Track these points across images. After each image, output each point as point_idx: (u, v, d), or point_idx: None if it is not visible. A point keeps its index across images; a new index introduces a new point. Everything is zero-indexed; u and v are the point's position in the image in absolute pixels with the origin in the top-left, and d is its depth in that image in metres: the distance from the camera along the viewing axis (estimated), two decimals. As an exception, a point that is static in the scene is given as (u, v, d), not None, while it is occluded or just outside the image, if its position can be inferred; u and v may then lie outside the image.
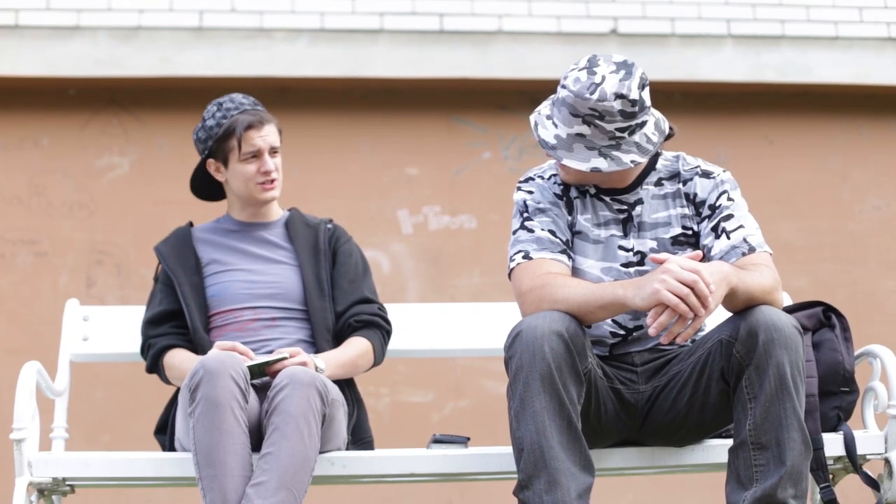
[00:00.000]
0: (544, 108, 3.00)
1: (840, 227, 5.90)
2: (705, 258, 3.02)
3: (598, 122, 2.90)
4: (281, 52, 5.56)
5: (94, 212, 5.62)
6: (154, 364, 3.38)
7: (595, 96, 2.88)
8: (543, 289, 2.88)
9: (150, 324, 3.41)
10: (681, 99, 5.81)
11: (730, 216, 3.00)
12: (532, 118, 3.00)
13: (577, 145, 2.93)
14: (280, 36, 5.59)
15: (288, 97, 5.65)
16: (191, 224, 3.56)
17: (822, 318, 3.19)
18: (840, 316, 3.20)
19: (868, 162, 5.99)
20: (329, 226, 3.55)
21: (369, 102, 5.77)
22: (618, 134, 2.92)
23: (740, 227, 2.98)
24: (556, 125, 2.95)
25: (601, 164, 2.92)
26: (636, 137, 2.94)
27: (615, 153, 2.93)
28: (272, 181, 3.43)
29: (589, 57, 2.95)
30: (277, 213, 3.54)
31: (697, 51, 5.76)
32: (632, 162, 2.94)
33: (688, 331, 2.73)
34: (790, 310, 3.23)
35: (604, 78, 2.89)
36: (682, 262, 2.74)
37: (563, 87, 2.93)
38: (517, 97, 5.78)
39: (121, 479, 3.10)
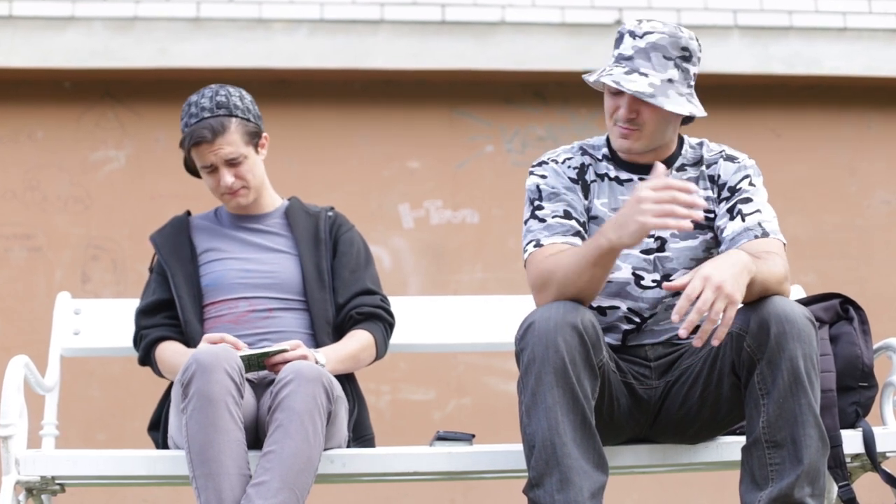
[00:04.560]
0: (615, 69, 2.89)
1: (848, 222, 5.87)
2: (717, 239, 2.96)
3: (685, 64, 2.87)
4: (280, 43, 5.52)
5: (90, 206, 5.58)
6: (146, 356, 3.30)
7: (686, 34, 2.88)
8: (547, 272, 2.80)
9: (143, 314, 3.33)
10: (686, 91, 5.74)
11: (748, 199, 2.94)
12: (605, 79, 2.87)
13: (671, 91, 2.87)
14: (279, 27, 5.53)
15: (287, 89, 5.60)
16: (188, 213, 3.47)
17: (840, 311, 3.12)
18: (858, 308, 3.12)
19: (876, 155, 5.95)
20: (330, 213, 3.47)
21: (369, 95, 5.72)
22: (692, 82, 2.91)
23: (757, 211, 2.92)
24: (645, 75, 2.86)
25: (694, 109, 2.89)
26: (693, 93, 2.92)
27: (694, 101, 2.91)
28: (236, 191, 3.32)
29: (635, 19, 2.95)
30: (273, 202, 3.45)
31: (703, 42, 5.59)
32: (704, 113, 2.92)
33: (720, 329, 2.60)
34: (806, 302, 3.16)
35: (675, 25, 2.90)
36: (649, 184, 2.67)
37: (650, 32, 2.87)
38: (520, 89, 5.73)
39: (112, 477, 3.03)
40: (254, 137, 3.33)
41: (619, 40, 2.92)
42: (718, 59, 5.72)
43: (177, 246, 3.36)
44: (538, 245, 2.90)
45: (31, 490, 3.00)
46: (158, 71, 5.50)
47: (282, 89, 5.58)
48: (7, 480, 2.89)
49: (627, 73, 2.87)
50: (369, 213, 5.60)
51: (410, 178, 5.72)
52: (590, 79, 2.93)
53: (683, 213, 2.62)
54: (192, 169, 3.41)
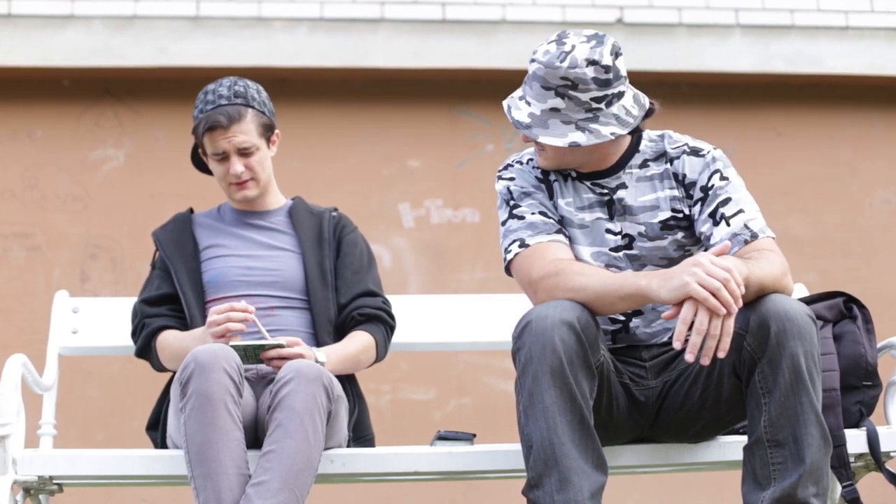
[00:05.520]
0: (517, 91, 2.89)
1: (849, 222, 5.84)
2: (695, 238, 2.92)
3: (571, 92, 2.78)
4: (279, 41, 5.50)
5: (89, 205, 5.56)
6: (146, 345, 3.26)
7: (565, 64, 2.77)
8: (558, 276, 2.76)
9: (146, 303, 3.30)
10: (688, 90, 5.75)
11: (727, 200, 2.86)
12: (504, 102, 2.88)
13: (553, 121, 2.81)
14: (279, 25, 5.52)
15: (286, 88, 5.58)
16: (191, 210, 3.45)
17: (843, 310, 3.08)
18: (862, 307, 3.09)
19: (878, 154, 5.93)
20: (334, 214, 3.45)
21: (370, 93, 5.70)
22: (594, 105, 2.80)
23: (740, 211, 2.85)
24: (528, 103, 2.83)
25: (579, 137, 2.81)
26: (614, 109, 2.83)
27: (593, 126, 2.81)
28: (244, 182, 3.30)
29: (558, 32, 2.86)
30: (278, 201, 3.43)
31: (705, 41, 5.69)
32: (612, 134, 2.83)
33: (724, 340, 2.59)
34: (809, 301, 3.12)
35: (574, 47, 2.79)
36: (713, 258, 2.62)
37: (533, 61, 2.82)
38: (521, 88, 5.70)
39: (110, 477, 3.00)
40: (267, 131, 3.32)
41: None
42: (720, 57, 5.70)
43: (179, 242, 3.34)
44: (524, 245, 2.86)
45: (29, 490, 2.97)
46: (158, 70, 5.48)
47: (281, 88, 5.55)
48: (4, 480, 2.86)
49: (520, 98, 2.86)
50: (369, 213, 5.58)
51: (411, 178, 5.70)
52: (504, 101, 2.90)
53: (725, 299, 2.56)
54: (197, 163, 3.40)
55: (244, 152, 3.28)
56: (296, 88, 5.61)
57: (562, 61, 2.76)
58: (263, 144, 3.32)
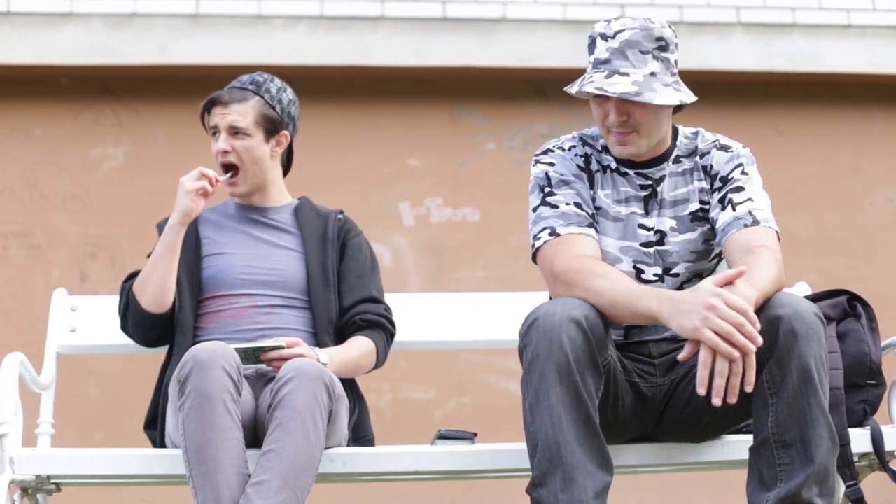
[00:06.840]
0: (592, 75, 2.84)
1: (850, 221, 5.83)
2: (712, 230, 2.91)
3: (663, 54, 2.82)
4: (279, 40, 5.49)
5: (89, 204, 5.54)
6: (126, 304, 3.21)
7: (657, 24, 2.83)
8: (578, 273, 2.74)
9: (132, 276, 3.28)
10: (688, 88, 5.71)
11: (739, 188, 2.88)
12: (588, 88, 2.81)
13: (656, 84, 2.81)
14: (278, 23, 5.50)
15: (286, 86, 5.56)
16: None
17: (847, 308, 3.07)
18: (866, 305, 3.08)
19: (880, 153, 5.91)
20: (340, 216, 3.43)
21: (370, 92, 5.69)
22: (675, 70, 2.86)
23: (748, 199, 2.87)
24: (626, 74, 2.81)
25: (683, 97, 2.83)
26: (679, 80, 2.88)
27: (682, 88, 2.86)
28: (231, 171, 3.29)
29: (607, 19, 2.89)
30: (283, 198, 3.42)
31: (706, 39, 5.68)
32: (695, 96, 2.88)
33: (748, 374, 2.54)
34: (813, 299, 3.11)
35: (642, 18, 2.86)
36: (728, 298, 2.56)
37: (622, 31, 2.81)
38: (522, 86, 5.70)
39: (108, 476, 2.99)
40: (269, 124, 3.31)
41: (591, 45, 2.87)
42: (721, 56, 5.69)
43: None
44: (554, 234, 2.85)
45: (27, 489, 2.96)
46: (157, 68, 5.47)
47: (281, 86, 5.54)
48: (2, 479, 2.84)
49: (608, 76, 2.82)
50: (370, 212, 5.56)
51: (411, 177, 5.69)
52: (572, 90, 2.87)
53: (740, 342, 2.52)
54: None
55: (234, 132, 3.27)
56: (296, 87, 5.50)
57: (652, 23, 2.83)
58: (259, 135, 3.29)
